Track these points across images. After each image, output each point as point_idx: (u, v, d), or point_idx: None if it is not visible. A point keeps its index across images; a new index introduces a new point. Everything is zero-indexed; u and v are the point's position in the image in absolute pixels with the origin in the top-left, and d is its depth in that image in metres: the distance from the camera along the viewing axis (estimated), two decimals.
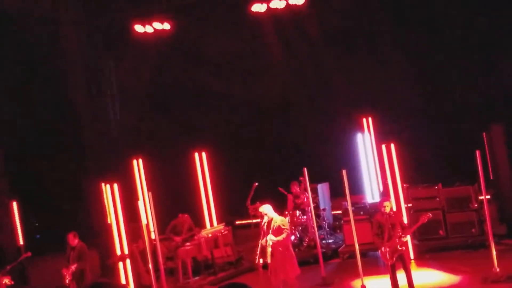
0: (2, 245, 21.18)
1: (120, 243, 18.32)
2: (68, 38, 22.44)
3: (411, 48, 22.63)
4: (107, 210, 18.69)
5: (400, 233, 14.74)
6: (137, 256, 18.84)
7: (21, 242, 19.67)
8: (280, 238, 15.08)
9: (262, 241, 15.17)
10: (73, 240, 17.11)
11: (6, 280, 16.58)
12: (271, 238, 15.05)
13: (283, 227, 15.18)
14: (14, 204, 19.78)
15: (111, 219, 18.41)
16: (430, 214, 15.12)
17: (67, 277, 16.80)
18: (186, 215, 19.81)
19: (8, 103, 22.63)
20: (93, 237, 21.01)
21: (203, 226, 20.52)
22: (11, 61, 22.59)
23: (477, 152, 16.30)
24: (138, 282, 18.64)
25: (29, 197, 21.66)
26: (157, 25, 23.04)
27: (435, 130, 22.07)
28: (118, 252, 18.25)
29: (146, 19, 22.93)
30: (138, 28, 22.98)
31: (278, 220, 15.34)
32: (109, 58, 23.87)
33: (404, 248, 14.90)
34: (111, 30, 23.36)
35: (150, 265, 17.30)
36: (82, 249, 17.09)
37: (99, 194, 19.12)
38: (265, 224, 15.39)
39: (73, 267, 16.78)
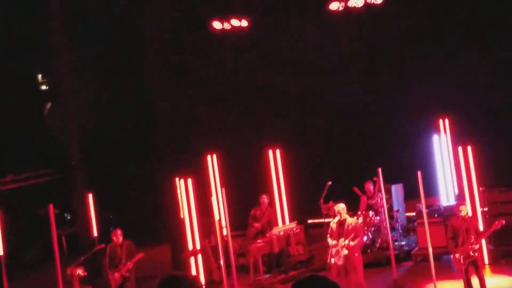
0: (77, 236, 21.53)
1: (193, 238, 18.43)
2: (148, 34, 22.66)
3: (491, 49, 22.22)
4: (181, 205, 18.82)
5: (473, 240, 14.50)
6: (209, 252, 18.93)
7: (95, 234, 19.92)
8: (355, 242, 15.07)
9: (337, 243, 15.14)
10: (118, 238, 16.89)
11: (80, 271, 16.79)
12: (350, 242, 15.01)
13: (359, 230, 15.22)
14: (90, 196, 20.05)
15: (184, 214, 18.54)
16: (503, 221, 14.82)
17: (117, 280, 16.80)
18: (264, 197, 19.94)
19: (87, 96, 22.97)
20: (166, 232, 21.25)
21: (275, 223, 20.53)
22: (92, 57, 22.96)
23: None
24: (209, 278, 18.74)
25: (105, 190, 21.95)
26: (235, 22, 23.10)
27: None
28: (190, 247, 18.36)
29: (224, 16, 23.01)
30: (216, 24, 23.08)
31: (353, 222, 15.32)
32: (187, 55, 23.97)
33: (477, 254, 14.65)
34: (192, 26, 23.49)
35: (221, 261, 17.39)
36: (129, 248, 16.83)
37: (173, 189, 19.27)
38: (335, 224, 15.35)
39: (129, 265, 16.73)
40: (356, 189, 20.13)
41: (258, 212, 20.13)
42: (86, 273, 16.99)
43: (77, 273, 16.74)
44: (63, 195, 22.31)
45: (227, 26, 23.15)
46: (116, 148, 23.78)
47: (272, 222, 20.04)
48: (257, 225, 19.93)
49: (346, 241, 15.08)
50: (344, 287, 15.12)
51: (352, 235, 15.17)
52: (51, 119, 24.97)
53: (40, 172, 23.32)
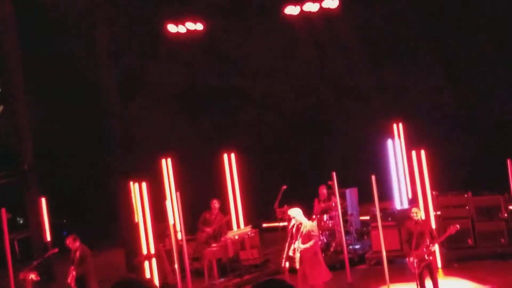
0: (30, 241, 21.29)
1: (147, 242, 18.34)
2: (101, 38, 22.50)
3: (444, 55, 22.47)
4: (135, 209, 18.71)
5: (428, 243, 14.62)
6: (163, 256, 18.85)
7: (48, 238, 19.72)
8: (308, 245, 15.02)
9: (293, 246, 15.13)
10: (73, 243, 16.69)
11: (33, 276, 16.59)
12: (299, 245, 15.00)
13: (312, 233, 15.12)
14: (43, 200, 19.84)
15: (139, 218, 18.43)
16: (458, 226, 14.96)
17: (71, 281, 16.64)
18: (215, 201, 19.96)
19: (39, 101, 22.74)
20: (120, 236, 21.12)
21: (230, 227, 20.51)
22: (45, 60, 22.73)
23: (508, 161, 16.16)
24: (163, 282, 18.66)
25: (58, 194, 21.74)
26: (190, 25, 23.02)
27: (466, 137, 21.88)
28: (145, 251, 18.27)
29: (179, 19, 22.93)
30: (171, 27, 22.99)
31: (308, 225, 15.28)
32: (141, 58, 23.86)
33: (431, 257, 14.77)
34: (145, 30, 23.39)
35: (176, 265, 17.32)
36: (83, 253, 16.68)
37: (127, 193, 19.15)
38: (293, 228, 15.34)
39: (73, 272, 16.58)
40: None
41: (209, 217, 20.13)
42: (39, 278, 16.78)
43: (30, 277, 16.53)
44: (16, 199, 22.05)
45: (182, 29, 23.07)
46: (69, 151, 23.55)
47: (224, 227, 20.02)
48: (208, 230, 19.93)
49: (298, 244, 15.08)
50: None
51: (302, 237, 15.14)
52: (3, 122, 24.65)
53: None
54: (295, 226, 15.34)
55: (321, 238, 19.61)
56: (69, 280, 16.53)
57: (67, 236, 17.11)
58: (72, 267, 16.55)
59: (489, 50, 22.03)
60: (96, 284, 16.83)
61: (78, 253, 16.61)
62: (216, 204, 20.21)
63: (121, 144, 22.71)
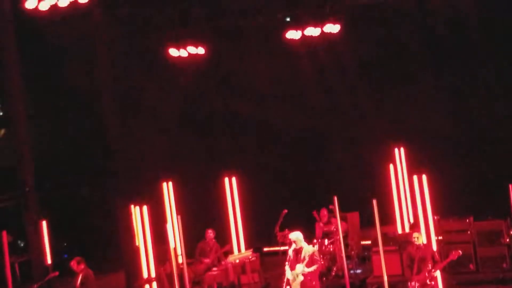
0: (31, 264, 21.24)
1: (148, 266, 18.27)
2: (102, 61, 22.53)
3: (445, 79, 22.51)
4: (136, 232, 18.67)
5: (430, 268, 14.58)
6: (164, 280, 18.78)
7: (49, 261, 19.68)
8: (311, 269, 14.99)
9: (295, 271, 15.09)
10: (78, 266, 16.68)
11: None
12: (303, 269, 14.95)
13: (315, 257, 15.11)
14: (44, 223, 19.82)
15: (139, 241, 18.38)
16: (460, 252, 14.92)
17: None
18: (210, 231, 19.86)
19: (41, 122, 22.77)
20: (120, 259, 21.06)
21: (230, 251, 20.45)
22: (47, 82, 22.79)
23: (510, 186, 16.14)
24: None
25: (59, 217, 21.72)
26: (191, 49, 23.08)
27: (468, 162, 21.87)
28: (145, 275, 18.21)
29: (180, 43, 22.99)
30: (172, 51, 23.04)
31: (310, 250, 15.26)
32: (142, 81, 23.89)
33: (433, 282, 14.72)
34: (146, 53, 23.44)
35: None
36: (86, 277, 16.62)
37: (128, 216, 19.12)
38: (292, 252, 15.31)
39: None
40: (314, 213, 20.14)
41: (205, 247, 19.98)
42: None
43: None
44: (17, 222, 22.04)
45: (183, 53, 23.11)
46: (70, 175, 23.55)
47: (221, 257, 19.92)
48: (207, 260, 19.73)
49: (302, 268, 15.04)
50: None
51: (306, 261, 15.11)
52: (5, 145, 24.70)
53: None
54: (294, 249, 15.33)
55: (322, 262, 19.57)
56: None
57: (68, 259, 17.08)
58: None
59: (491, 73, 22.08)
60: None
61: (80, 277, 16.58)
62: (211, 234, 20.07)
63: (122, 167, 22.70)
